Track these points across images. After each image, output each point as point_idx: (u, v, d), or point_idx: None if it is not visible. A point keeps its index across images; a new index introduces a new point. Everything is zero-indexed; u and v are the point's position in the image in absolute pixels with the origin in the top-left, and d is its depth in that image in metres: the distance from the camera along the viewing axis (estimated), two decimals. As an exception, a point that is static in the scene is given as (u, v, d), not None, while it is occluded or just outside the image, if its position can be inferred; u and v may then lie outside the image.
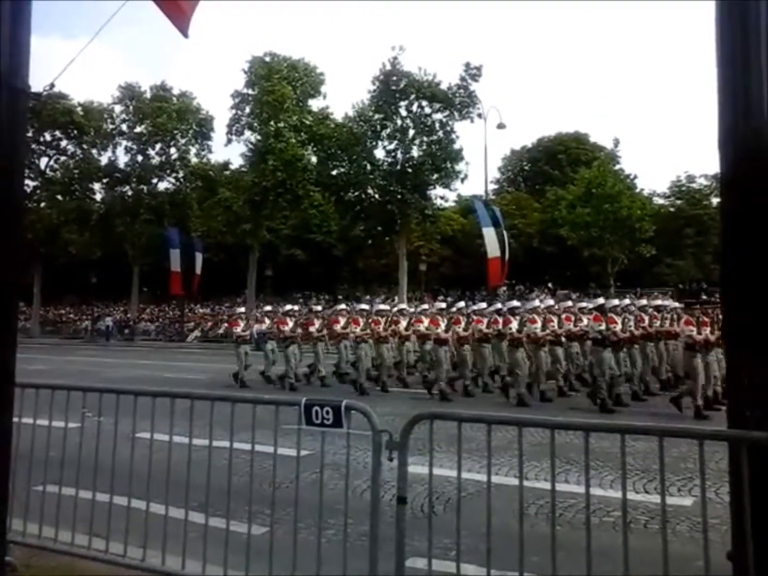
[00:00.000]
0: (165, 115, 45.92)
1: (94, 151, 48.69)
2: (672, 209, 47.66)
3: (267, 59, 44.18)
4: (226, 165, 49.03)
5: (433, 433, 3.25)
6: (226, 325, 45.15)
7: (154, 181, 48.27)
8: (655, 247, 40.74)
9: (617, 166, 44.59)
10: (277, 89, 40.91)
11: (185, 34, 5.35)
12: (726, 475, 2.73)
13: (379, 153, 37.17)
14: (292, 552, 3.37)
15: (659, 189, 50.76)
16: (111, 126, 48.21)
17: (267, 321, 17.89)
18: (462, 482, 5.40)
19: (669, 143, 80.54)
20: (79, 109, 47.86)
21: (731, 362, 2.90)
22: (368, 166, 36.81)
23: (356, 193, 37.58)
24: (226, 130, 43.79)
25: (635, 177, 46.05)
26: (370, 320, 15.33)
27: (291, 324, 16.54)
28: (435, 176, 36.31)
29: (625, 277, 42.27)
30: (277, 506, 3.80)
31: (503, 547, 2.99)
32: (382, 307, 18.04)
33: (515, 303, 15.44)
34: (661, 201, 49.12)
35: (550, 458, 2.97)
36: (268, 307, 19.51)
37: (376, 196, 37.05)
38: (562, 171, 51.20)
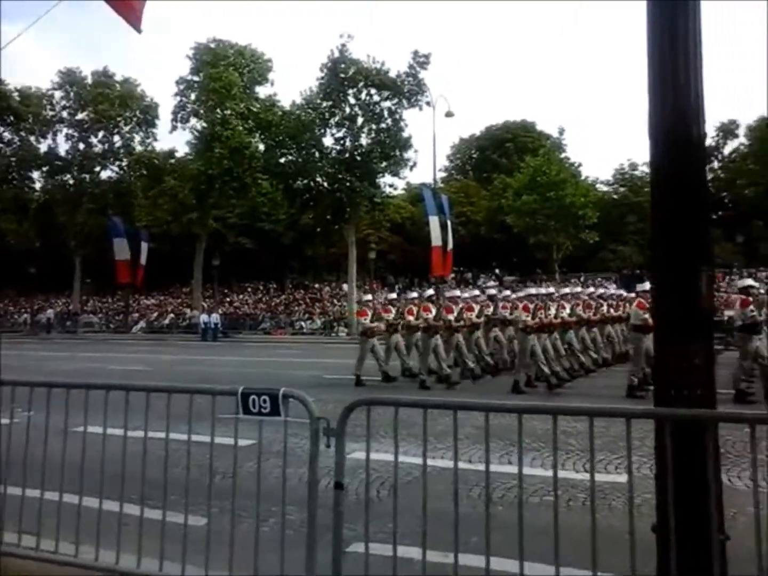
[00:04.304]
0: (107, 101, 44.76)
1: (32, 138, 47.14)
2: (615, 196, 48.77)
3: (212, 45, 43.50)
4: (171, 153, 48.10)
5: (371, 419, 3.26)
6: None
7: (97, 169, 47.05)
8: (599, 233, 41.74)
9: (562, 155, 45.35)
10: (224, 76, 40.32)
11: (138, 30, 5.40)
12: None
13: (328, 141, 36.99)
14: (232, 542, 3.35)
15: (603, 177, 51.92)
16: (51, 113, 46.72)
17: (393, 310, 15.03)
18: (406, 467, 5.50)
19: (613, 132, 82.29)
20: (15, 95, 46.24)
21: (660, 345, 2.97)
22: (317, 154, 36.57)
23: (305, 181, 37.32)
24: (171, 117, 43.07)
25: (580, 165, 46.98)
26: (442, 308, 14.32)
27: (434, 312, 14.09)
28: (384, 164, 36.31)
29: (570, 263, 43.17)
30: (217, 497, 3.77)
31: (445, 529, 3.01)
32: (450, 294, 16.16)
33: (456, 292, 15.60)
34: (604, 188, 50.25)
35: (485, 440, 3.00)
36: (369, 296, 16.99)
37: (325, 184, 36.87)
38: (509, 159, 51.84)
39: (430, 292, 16.23)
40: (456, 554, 2.89)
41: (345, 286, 41.09)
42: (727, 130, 46.87)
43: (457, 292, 15.45)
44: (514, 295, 15.37)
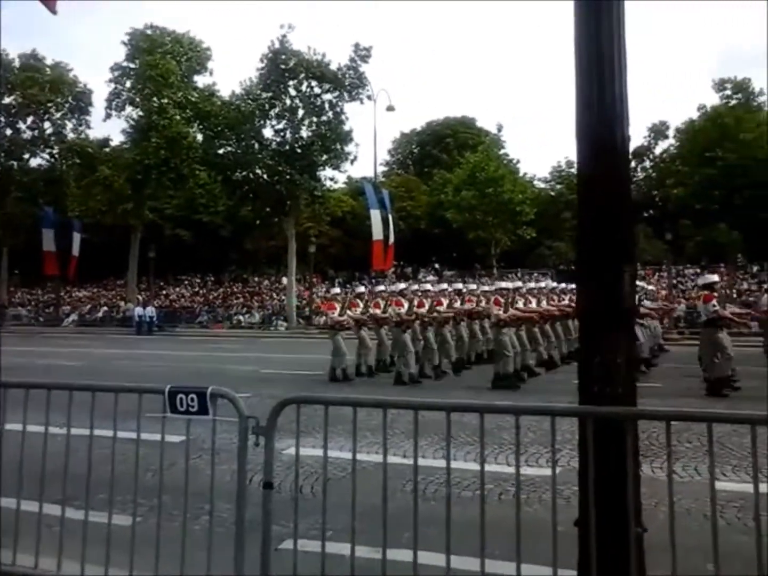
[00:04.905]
0: (37, 86, 43.12)
1: (-46, 122, 45.07)
2: (552, 193, 49.72)
3: (149, 32, 42.44)
4: (105, 141, 46.73)
5: (310, 416, 3.26)
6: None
7: (26, 156, 45.27)
8: (536, 229, 42.56)
9: (501, 151, 46.00)
10: (161, 64, 39.40)
11: (53, 11, 5.31)
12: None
13: (268, 132, 36.64)
14: (158, 541, 3.29)
15: (540, 174, 52.87)
16: (-26, 97, 44.69)
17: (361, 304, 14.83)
18: (341, 463, 5.49)
19: (551, 129, 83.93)
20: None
21: (584, 342, 3.04)
22: (256, 146, 36.17)
23: (244, 173, 36.87)
24: (106, 104, 41.89)
25: (518, 162, 47.79)
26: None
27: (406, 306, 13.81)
28: (324, 157, 36.19)
29: (508, 258, 43.91)
30: (145, 495, 3.69)
31: (378, 524, 3.02)
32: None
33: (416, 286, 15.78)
34: (542, 185, 51.17)
35: (413, 437, 3.02)
36: (336, 290, 16.76)
37: (265, 176, 36.51)
38: (449, 154, 52.26)
39: (402, 285, 15.63)
40: (384, 549, 2.90)
41: (284, 280, 40.80)
42: (658, 131, 48.34)
43: (429, 286, 15.43)
44: (482, 289, 15.71)
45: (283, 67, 35.09)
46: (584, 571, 2.69)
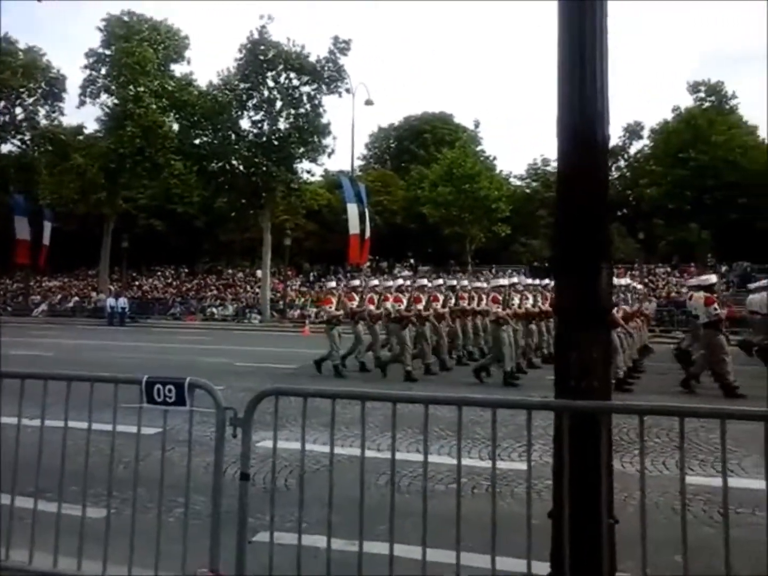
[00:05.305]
0: (9, 70, 42.17)
1: None
2: (528, 191, 50.07)
3: (126, 18, 41.81)
4: (79, 129, 45.86)
5: (287, 409, 3.26)
6: (97, 295, 42.71)
7: (-3, 142, 44.39)
8: (511, 226, 42.85)
9: (478, 148, 46.19)
10: (137, 51, 38.86)
11: None
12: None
13: (245, 123, 36.41)
14: (132, 533, 3.28)
15: (516, 171, 53.20)
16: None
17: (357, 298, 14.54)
18: (316, 455, 5.51)
19: (527, 127, 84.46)
20: None
21: (560, 337, 3.09)
22: (233, 137, 35.90)
23: (220, 164, 36.59)
24: (80, 91, 41.21)
25: (494, 159, 48.06)
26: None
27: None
28: (301, 150, 36.04)
29: (483, 254, 44.16)
30: (119, 488, 3.67)
31: (354, 517, 3.03)
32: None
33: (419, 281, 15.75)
34: (517, 183, 51.48)
35: (391, 430, 3.04)
36: (333, 284, 16.80)
37: (241, 167, 36.25)
38: (426, 150, 52.32)
39: (400, 281, 15.36)
40: (360, 542, 2.92)
41: (259, 273, 40.57)
42: (633, 131, 48.92)
43: (425, 281, 15.39)
44: (474, 285, 15.90)
45: (261, 58, 34.85)
46: (557, 562, 2.74)
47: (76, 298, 43.89)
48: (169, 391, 3.30)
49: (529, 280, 15.75)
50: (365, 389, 3.43)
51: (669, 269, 41.40)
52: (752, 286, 17.57)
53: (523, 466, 5.92)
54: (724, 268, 38.70)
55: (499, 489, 5.07)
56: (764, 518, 2.65)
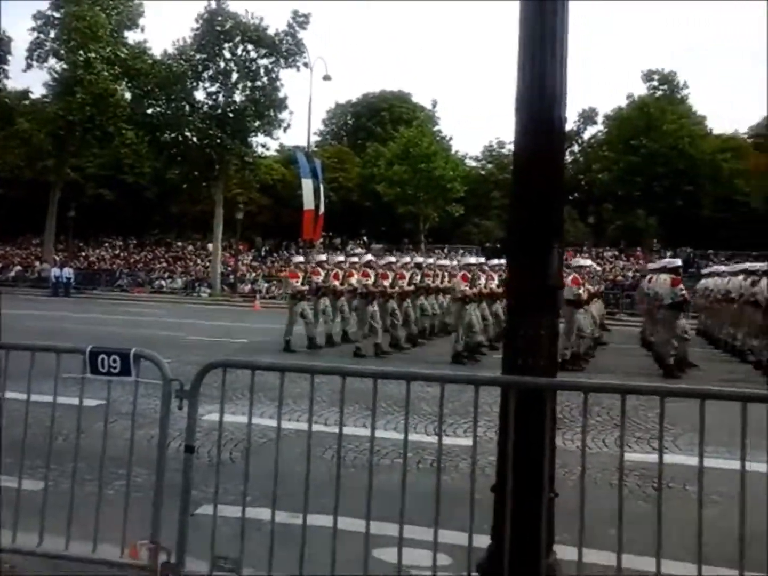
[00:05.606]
0: (-52, 30, 40.29)
1: None
2: (482, 172, 50.42)
3: (76, -20, 40.18)
4: (25, 93, 44.20)
5: (233, 382, 3.23)
6: (41, 265, 41.38)
7: (-65, 104, 42.42)
8: (465, 207, 43.12)
9: (435, 128, 46.20)
10: (89, 15, 37.54)
11: None
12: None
13: (200, 95, 35.74)
14: (71, 506, 3.22)
15: (472, 152, 53.43)
16: None
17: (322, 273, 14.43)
18: (263, 429, 5.49)
19: (484, 109, 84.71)
20: None
21: (511, 317, 3.12)
22: (187, 108, 35.19)
23: (173, 135, 35.85)
24: (26, 54, 39.63)
25: (451, 139, 48.15)
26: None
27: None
28: (257, 123, 35.56)
29: (436, 234, 44.39)
30: (59, 460, 3.59)
31: (299, 490, 3.03)
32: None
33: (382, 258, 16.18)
34: (473, 164, 51.78)
35: (340, 404, 3.05)
36: (300, 258, 16.92)
37: (194, 139, 35.58)
38: (384, 128, 52.09)
39: (368, 257, 15.13)
40: (305, 514, 2.92)
41: (210, 246, 40.01)
42: (588, 117, 49.57)
43: (392, 258, 15.59)
44: (439, 263, 16.42)
45: (218, 29, 34.17)
46: (498, 535, 2.80)
47: (19, 267, 42.62)
48: (114, 361, 3.23)
49: (495, 261, 15.90)
50: (314, 363, 3.41)
51: (617, 253, 42.33)
52: (705, 271, 18.58)
53: (468, 442, 6.04)
54: (668, 254, 39.75)
55: (444, 464, 5.17)
56: (695, 493, 2.75)
